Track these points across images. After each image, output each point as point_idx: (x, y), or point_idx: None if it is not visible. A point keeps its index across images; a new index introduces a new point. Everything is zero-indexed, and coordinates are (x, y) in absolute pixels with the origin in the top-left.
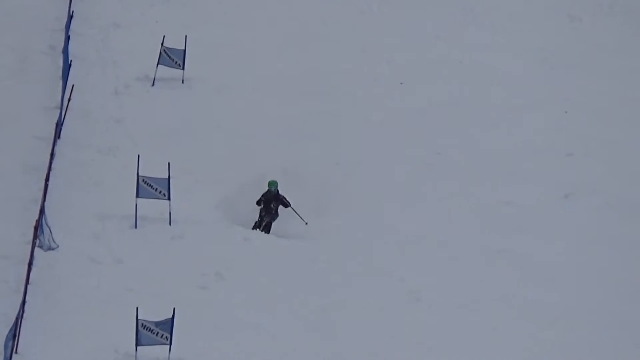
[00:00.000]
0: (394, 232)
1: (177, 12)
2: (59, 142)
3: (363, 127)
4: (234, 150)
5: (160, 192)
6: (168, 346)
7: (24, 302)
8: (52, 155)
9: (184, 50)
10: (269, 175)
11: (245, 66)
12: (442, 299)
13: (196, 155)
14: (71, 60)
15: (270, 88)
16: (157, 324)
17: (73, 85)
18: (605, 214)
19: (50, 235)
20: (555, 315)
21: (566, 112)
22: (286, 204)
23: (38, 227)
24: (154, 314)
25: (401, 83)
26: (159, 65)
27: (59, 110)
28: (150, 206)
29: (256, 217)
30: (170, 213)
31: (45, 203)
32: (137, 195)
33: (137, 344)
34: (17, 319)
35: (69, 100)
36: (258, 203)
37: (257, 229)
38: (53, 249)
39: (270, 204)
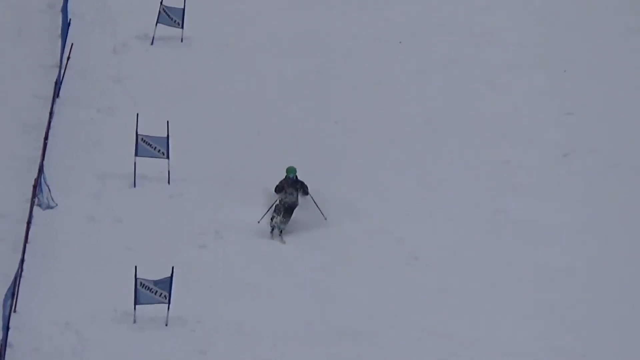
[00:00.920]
0: (393, 192)
1: None
2: (58, 101)
3: (361, 86)
4: (232, 110)
5: (159, 150)
6: (167, 305)
7: (22, 260)
8: (51, 114)
9: (183, 9)
10: (267, 135)
11: (244, 25)
12: (440, 259)
13: (195, 115)
14: (70, 19)
15: (269, 47)
16: (155, 282)
17: (72, 44)
18: (605, 172)
19: (49, 194)
20: (555, 276)
21: (565, 71)
22: (306, 191)
23: (37, 186)
24: (153, 272)
25: (400, 42)
26: (158, 24)
27: (58, 69)
28: (149, 165)
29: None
30: (169, 172)
31: (44, 162)
32: (136, 154)
33: (135, 303)
34: (15, 277)
35: (68, 58)
36: (276, 190)
37: (277, 217)
38: (52, 208)
39: (291, 190)
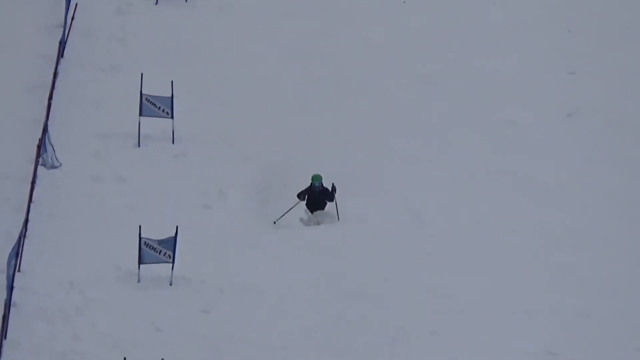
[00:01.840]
0: (396, 152)
1: None
2: (62, 60)
3: (364, 47)
4: (236, 69)
5: (163, 110)
6: (171, 264)
7: (26, 220)
8: (55, 74)
9: None
10: (272, 95)
11: None
12: (445, 219)
13: (199, 75)
14: None
15: (273, 6)
16: (160, 242)
17: (76, 4)
18: (608, 132)
19: (54, 153)
20: (559, 235)
21: (569, 31)
22: (332, 198)
23: (41, 146)
24: (157, 232)
25: (404, 2)
26: None
27: (62, 29)
28: (154, 125)
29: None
30: (173, 131)
31: (48, 122)
32: (140, 114)
33: (139, 262)
34: (19, 237)
35: (72, 18)
36: (299, 197)
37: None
38: (56, 168)
39: (317, 200)
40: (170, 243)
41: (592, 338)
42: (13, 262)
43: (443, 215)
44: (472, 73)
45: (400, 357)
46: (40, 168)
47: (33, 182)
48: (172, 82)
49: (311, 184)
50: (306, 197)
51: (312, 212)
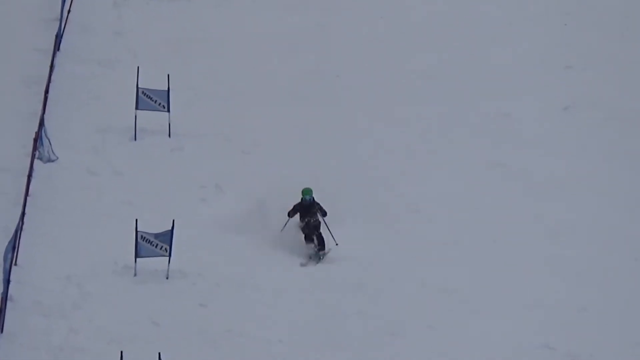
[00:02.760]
0: (394, 145)
1: None
2: (58, 54)
3: (361, 41)
4: (233, 63)
5: (159, 104)
6: (167, 258)
7: (23, 214)
8: (51, 67)
9: None
10: (268, 89)
11: None
12: (441, 212)
13: (196, 68)
14: None
15: (270, 1)
16: (156, 236)
17: None
18: (605, 125)
19: (50, 147)
20: (555, 228)
21: (565, 24)
22: (324, 213)
23: (38, 139)
24: (154, 226)
25: None
26: None
27: (58, 22)
28: (150, 118)
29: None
30: (169, 125)
31: (45, 115)
32: (137, 107)
33: (136, 256)
34: (16, 230)
35: (69, 12)
36: (290, 215)
37: (312, 247)
38: (53, 161)
39: (307, 215)
40: (167, 237)
41: (590, 332)
42: (10, 255)
43: (440, 209)
44: (469, 66)
45: (397, 351)
46: (36, 162)
47: (30, 176)
48: (168, 75)
49: (302, 198)
50: (300, 214)
51: (305, 224)
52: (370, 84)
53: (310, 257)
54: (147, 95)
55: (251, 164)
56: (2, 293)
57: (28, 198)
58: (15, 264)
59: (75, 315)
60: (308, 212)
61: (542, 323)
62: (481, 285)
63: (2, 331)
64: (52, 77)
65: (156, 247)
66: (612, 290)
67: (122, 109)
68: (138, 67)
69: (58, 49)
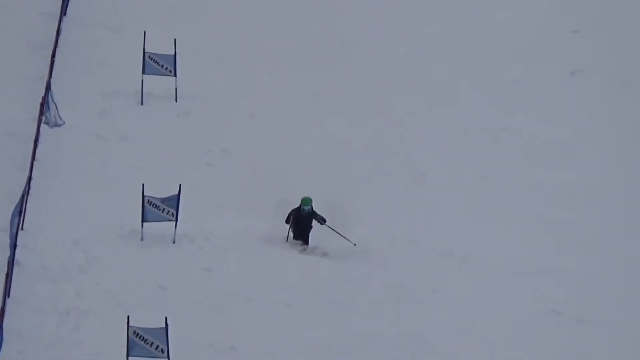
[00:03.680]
0: (400, 110)
1: None
2: (65, 19)
3: (366, 5)
4: (240, 28)
5: (166, 68)
6: (174, 223)
7: (29, 179)
8: (58, 32)
9: None
10: (275, 53)
11: None
12: (448, 177)
13: (203, 33)
14: None
15: None
16: (163, 200)
17: None
18: (611, 91)
19: (57, 112)
20: (561, 193)
21: None
22: (322, 221)
23: (44, 104)
24: (160, 190)
25: None
26: None
27: None
28: (157, 82)
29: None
30: (176, 90)
31: (52, 80)
32: (143, 72)
33: (143, 221)
34: (23, 195)
35: None
36: (287, 221)
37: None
38: (59, 126)
39: (303, 223)
40: (174, 201)
41: (595, 297)
42: (16, 220)
43: (446, 174)
44: (475, 31)
45: (402, 314)
46: (43, 126)
47: (36, 141)
48: (175, 40)
49: (299, 206)
50: (294, 219)
51: (296, 227)
52: (376, 50)
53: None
54: (153, 60)
55: (257, 128)
56: (9, 258)
57: (34, 162)
58: (22, 229)
59: (82, 279)
60: (303, 222)
61: (548, 288)
62: (487, 250)
63: (9, 296)
64: (59, 42)
65: (163, 211)
66: (617, 255)
67: (129, 73)
68: (145, 32)
69: (64, 14)
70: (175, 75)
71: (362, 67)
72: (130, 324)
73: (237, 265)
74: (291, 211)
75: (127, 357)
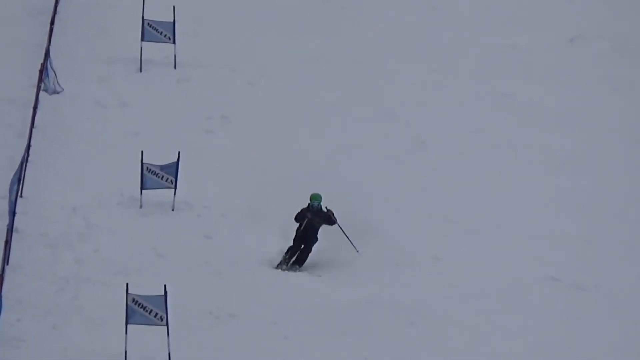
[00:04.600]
0: (401, 77)
1: None
2: None
3: None
4: None
5: (165, 35)
6: (173, 190)
7: (29, 145)
8: None
9: None
10: (274, 20)
11: None
12: (447, 143)
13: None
14: None
15: None
16: (162, 167)
17: None
18: (611, 57)
19: (56, 78)
20: (561, 160)
21: None
22: (332, 221)
23: (43, 71)
24: (159, 157)
25: None
26: None
27: None
28: (156, 49)
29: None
30: (175, 56)
31: (51, 46)
32: (142, 39)
33: (142, 188)
34: (22, 162)
35: None
36: (296, 219)
37: (284, 265)
38: (58, 93)
39: (313, 221)
40: (173, 168)
41: (594, 264)
42: (15, 187)
43: (446, 140)
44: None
45: (403, 281)
46: (42, 93)
47: (35, 108)
48: (174, 7)
49: (309, 204)
50: (301, 219)
51: (297, 244)
52: (375, 16)
53: (281, 263)
54: (152, 27)
55: (257, 95)
56: (8, 225)
57: (33, 129)
58: (21, 196)
59: (81, 246)
60: (312, 219)
61: (547, 254)
62: (487, 216)
63: (8, 263)
64: (58, 8)
65: (162, 178)
66: (617, 222)
67: (128, 40)
68: None
69: None
70: (174, 42)
71: (364, 33)
72: (129, 292)
73: (235, 232)
74: (302, 210)
75: (126, 325)
